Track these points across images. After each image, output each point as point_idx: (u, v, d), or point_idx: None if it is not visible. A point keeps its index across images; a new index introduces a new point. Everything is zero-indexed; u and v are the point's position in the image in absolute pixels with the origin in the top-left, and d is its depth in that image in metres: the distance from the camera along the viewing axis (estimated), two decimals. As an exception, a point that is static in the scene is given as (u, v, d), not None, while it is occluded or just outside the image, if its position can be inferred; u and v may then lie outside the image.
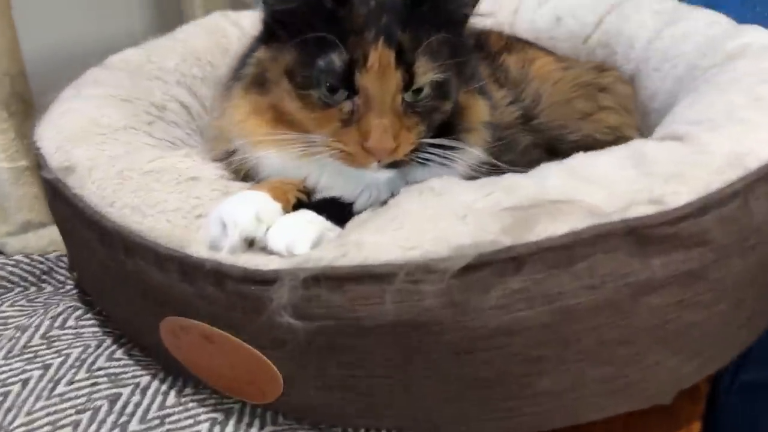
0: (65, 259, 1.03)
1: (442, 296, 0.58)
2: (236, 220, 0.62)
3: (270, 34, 0.71)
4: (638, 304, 0.62)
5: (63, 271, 1.02)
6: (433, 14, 0.68)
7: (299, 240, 0.62)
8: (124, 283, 0.71)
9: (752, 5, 1.38)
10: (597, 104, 1.02)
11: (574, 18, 1.34)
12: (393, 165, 0.68)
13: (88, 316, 0.87)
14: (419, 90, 0.68)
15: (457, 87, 0.73)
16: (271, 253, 0.62)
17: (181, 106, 1.07)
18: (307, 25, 0.66)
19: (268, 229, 0.63)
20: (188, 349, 0.70)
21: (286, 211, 0.66)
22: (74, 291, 0.97)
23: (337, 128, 0.67)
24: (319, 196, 0.72)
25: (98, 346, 0.82)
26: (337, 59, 0.65)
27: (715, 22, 1.10)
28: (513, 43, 1.12)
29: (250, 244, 0.63)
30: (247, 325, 0.62)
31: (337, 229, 0.66)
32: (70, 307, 0.88)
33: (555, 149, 0.96)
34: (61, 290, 0.98)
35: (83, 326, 0.86)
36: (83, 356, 0.80)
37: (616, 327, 0.63)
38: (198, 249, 0.64)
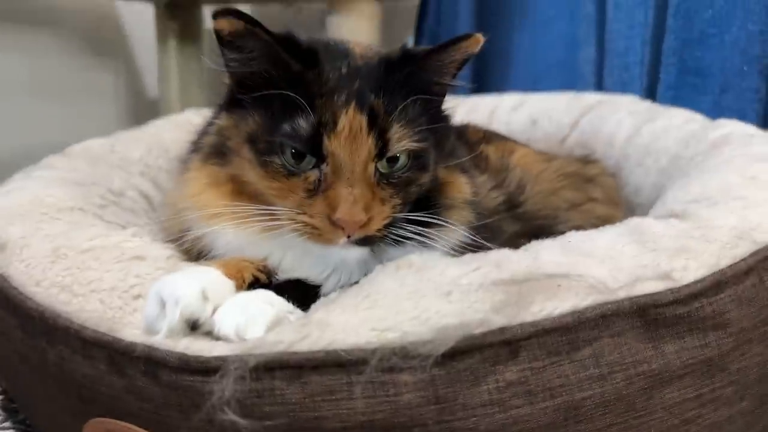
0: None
1: (423, 389, 0.49)
2: (177, 296, 0.52)
3: (233, 101, 0.66)
4: (653, 399, 0.53)
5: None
6: (410, 82, 0.64)
7: (252, 323, 0.52)
8: (45, 378, 0.60)
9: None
10: (586, 195, 0.98)
11: (550, 120, 1.35)
12: (364, 242, 0.60)
13: (7, 424, 0.74)
14: (394, 159, 0.62)
15: (436, 160, 0.67)
16: (217, 338, 0.52)
17: (141, 195, 1.01)
18: (273, 89, 0.60)
19: (215, 311, 0.54)
20: (115, 461, 0.58)
21: (240, 290, 0.57)
22: (-1, 397, 0.84)
23: (302, 199, 0.60)
24: (281, 277, 0.63)
25: (12, 462, 0.68)
26: (303, 123, 0.59)
27: (692, 119, 1.12)
28: (491, 135, 1.09)
29: (194, 327, 0.53)
30: (184, 425, 0.51)
31: (299, 313, 0.57)
32: (-14, 414, 0.75)
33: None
34: (-18, 397, 0.84)
35: (-2, 438, 0.73)
36: (-9, 475, 0.66)
37: (629, 428, 0.53)
38: (132, 333, 0.53)
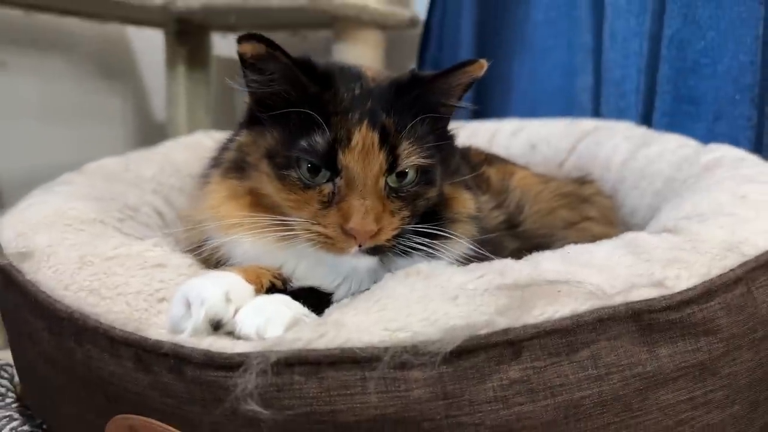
0: (9, 369, 0.93)
1: (432, 385, 0.52)
2: (203, 298, 0.56)
3: (253, 119, 0.70)
4: (648, 400, 0.56)
5: (5, 382, 0.91)
6: (418, 103, 0.68)
7: (272, 323, 0.55)
8: (71, 378, 0.63)
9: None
10: (580, 214, 1.02)
11: (548, 145, 1.39)
12: (374, 251, 0.64)
13: (26, 428, 0.77)
14: (403, 174, 0.66)
15: (442, 177, 0.71)
16: (238, 338, 0.56)
17: (154, 212, 1.05)
18: (291, 107, 0.65)
19: (237, 312, 0.57)
20: (136, 458, 0.60)
21: (259, 295, 0.61)
22: (14, 404, 0.86)
23: (316, 211, 0.64)
24: (295, 285, 0.67)
25: (32, 464, 0.71)
26: (320, 138, 0.63)
27: (685, 144, 1.16)
28: (492, 157, 1.14)
29: (216, 327, 0.56)
30: (206, 420, 0.54)
31: (314, 317, 0.60)
32: (6, 417, 0.78)
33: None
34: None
35: (18, 440, 0.75)
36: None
37: (627, 427, 0.56)
38: (157, 332, 0.57)
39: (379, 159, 0.64)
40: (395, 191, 0.66)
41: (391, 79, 0.70)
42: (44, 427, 0.78)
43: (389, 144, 0.65)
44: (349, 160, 0.63)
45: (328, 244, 0.63)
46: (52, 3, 1.59)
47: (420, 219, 0.69)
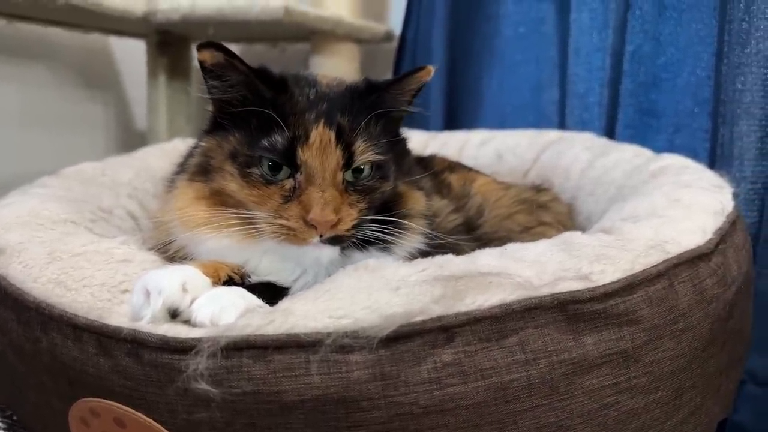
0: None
1: (371, 367, 0.56)
2: (160, 288, 0.60)
3: (215, 125, 0.74)
4: (574, 384, 0.61)
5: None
6: (373, 106, 0.73)
7: (226, 311, 0.60)
8: (37, 365, 0.67)
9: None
10: (537, 219, 1.07)
11: (514, 155, 1.44)
12: (335, 241, 0.68)
13: (-6, 418, 0.80)
14: (359, 170, 0.71)
15: (396, 175, 0.76)
16: (194, 325, 0.60)
17: (128, 215, 1.08)
18: (250, 110, 0.69)
19: (193, 302, 0.61)
20: (98, 439, 0.64)
21: (216, 287, 0.65)
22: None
23: (278, 205, 0.68)
24: (254, 280, 0.71)
25: (-1, 452, 0.74)
26: (279, 137, 0.68)
27: (640, 153, 1.21)
28: (455, 165, 1.19)
29: (174, 316, 0.60)
30: (162, 401, 0.58)
31: (268, 308, 0.64)
32: (-25, 409, 0.81)
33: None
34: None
35: (-14, 431, 0.78)
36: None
37: (554, 410, 0.60)
38: (119, 320, 0.61)
39: (336, 154, 0.68)
40: (352, 185, 0.70)
41: (346, 84, 0.76)
42: (14, 418, 0.81)
43: (345, 141, 0.69)
44: (307, 156, 0.68)
45: (291, 235, 0.67)
46: (35, 13, 1.63)
47: (375, 214, 0.73)
